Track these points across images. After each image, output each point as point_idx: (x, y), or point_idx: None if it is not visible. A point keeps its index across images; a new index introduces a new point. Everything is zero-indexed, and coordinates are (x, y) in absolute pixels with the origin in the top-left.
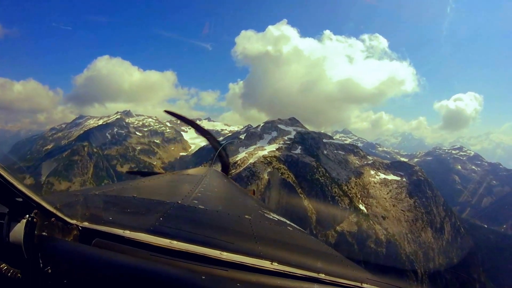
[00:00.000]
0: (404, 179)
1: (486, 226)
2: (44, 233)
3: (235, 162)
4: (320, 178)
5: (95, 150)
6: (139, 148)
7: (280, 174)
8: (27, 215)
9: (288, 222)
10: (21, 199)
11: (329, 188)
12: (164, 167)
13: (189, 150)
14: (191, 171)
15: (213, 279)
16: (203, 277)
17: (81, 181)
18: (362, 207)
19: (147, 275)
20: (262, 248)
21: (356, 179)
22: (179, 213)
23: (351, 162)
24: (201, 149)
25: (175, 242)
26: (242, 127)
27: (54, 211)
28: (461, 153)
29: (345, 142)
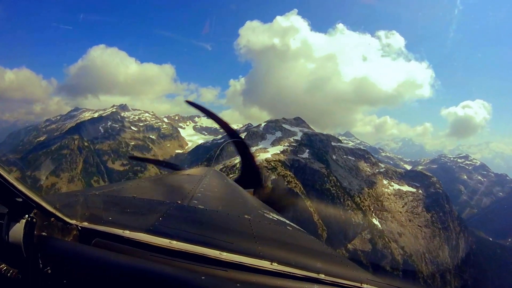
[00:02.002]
0: (420, 191)
1: (491, 238)
2: (43, 233)
3: (233, 166)
4: (331, 188)
5: (85, 144)
6: (132, 143)
7: (286, 183)
8: (27, 215)
9: (288, 222)
10: (20, 199)
11: (342, 200)
12: None
13: (186, 147)
14: (191, 171)
15: (212, 279)
16: (203, 277)
17: (69, 176)
18: (376, 221)
19: (146, 275)
20: (261, 248)
21: (368, 189)
22: (179, 213)
23: (362, 169)
24: (198, 147)
25: (174, 242)
26: (242, 125)
27: (54, 211)
28: (467, 162)
29: (348, 145)
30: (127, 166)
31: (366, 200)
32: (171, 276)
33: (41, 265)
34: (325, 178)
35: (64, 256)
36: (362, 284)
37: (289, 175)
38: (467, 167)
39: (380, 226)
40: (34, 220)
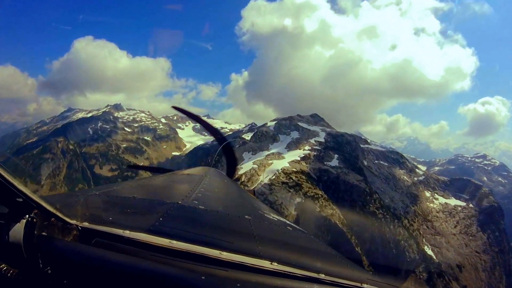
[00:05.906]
0: (471, 205)
1: None
2: (43, 233)
3: (238, 178)
4: (377, 212)
5: (71, 147)
6: (124, 145)
7: (318, 209)
8: (27, 215)
9: (288, 222)
10: (21, 199)
11: (392, 227)
12: None
13: (184, 149)
14: (191, 170)
15: (213, 279)
16: (203, 277)
17: (51, 183)
18: (429, 251)
19: (147, 275)
20: (262, 248)
21: (413, 206)
22: (179, 213)
23: (399, 178)
24: (196, 148)
25: (175, 242)
26: (244, 125)
27: (54, 211)
28: (485, 162)
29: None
30: (116, 171)
31: (414, 222)
32: (171, 276)
33: (41, 265)
34: (367, 197)
35: (64, 256)
36: (362, 284)
37: (321, 195)
38: (486, 167)
39: (435, 258)
40: (34, 220)
